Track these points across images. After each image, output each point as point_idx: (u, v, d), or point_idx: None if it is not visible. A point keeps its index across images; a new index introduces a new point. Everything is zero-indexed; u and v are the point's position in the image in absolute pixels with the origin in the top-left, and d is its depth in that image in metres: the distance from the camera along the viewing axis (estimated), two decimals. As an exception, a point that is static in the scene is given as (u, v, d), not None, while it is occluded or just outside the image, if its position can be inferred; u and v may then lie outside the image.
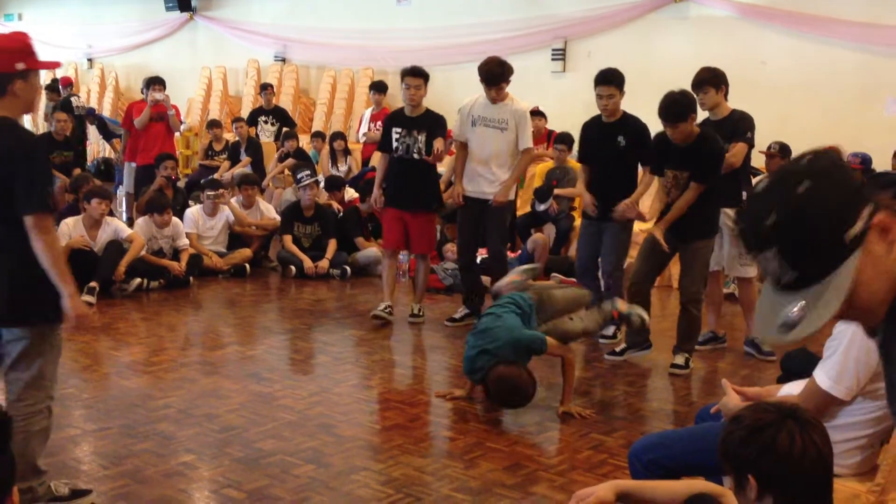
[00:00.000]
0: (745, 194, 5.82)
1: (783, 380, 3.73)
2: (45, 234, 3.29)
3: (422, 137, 6.58)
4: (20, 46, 3.37)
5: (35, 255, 3.31)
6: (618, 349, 5.91)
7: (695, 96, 5.65)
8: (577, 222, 7.97)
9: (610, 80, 5.96)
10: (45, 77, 16.68)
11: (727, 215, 5.77)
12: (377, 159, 7.48)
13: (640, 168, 6.14)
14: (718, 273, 6.06)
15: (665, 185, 5.60)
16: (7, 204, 3.28)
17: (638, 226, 6.42)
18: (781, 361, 4.33)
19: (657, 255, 5.65)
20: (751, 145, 5.88)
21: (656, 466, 2.85)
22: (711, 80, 5.77)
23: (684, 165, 5.44)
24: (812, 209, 1.49)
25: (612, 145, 6.01)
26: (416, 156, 6.61)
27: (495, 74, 6.33)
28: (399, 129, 6.65)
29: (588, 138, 6.27)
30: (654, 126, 6.11)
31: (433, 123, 6.64)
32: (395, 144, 6.64)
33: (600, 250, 6.25)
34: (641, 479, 2.83)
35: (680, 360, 5.59)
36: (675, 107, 5.33)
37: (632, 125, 6.05)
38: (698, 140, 5.42)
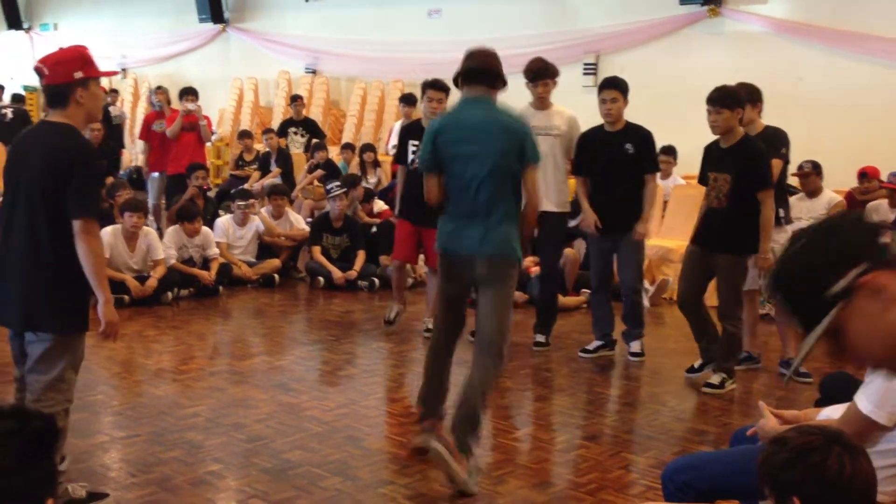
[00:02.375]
0: (781, 212, 5.73)
1: (821, 403, 3.65)
2: (92, 239, 3.38)
3: None
4: (77, 56, 3.51)
5: (69, 262, 3.37)
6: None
7: (752, 95, 5.61)
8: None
9: (614, 85, 5.96)
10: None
11: None
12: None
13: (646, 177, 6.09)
14: (755, 293, 5.96)
15: (707, 190, 5.54)
16: (55, 207, 3.37)
17: (658, 241, 6.32)
18: (820, 384, 4.23)
19: (699, 271, 5.58)
20: (785, 161, 5.79)
21: (690, 489, 2.79)
22: (742, 97, 5.51)
23: (725, 168, 5.36)
24: (793, 267, 1.69)
25: (618, 154, 5.91)
26: None
27: (539, 70, 6.15)
28: (416, 142, 6.46)
29: (589, 148, 6.10)
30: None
31: None
32: (411, 157, 6.53)
33: (613, 265, 6.22)
34: (675, 501, 2.77)
35: (715, 379, 5.50)
36: (724, 93, 5.32)
37: (640, 132, 6.00)
38: (741, 142, 5.36)
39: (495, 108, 4.14)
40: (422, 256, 7.03)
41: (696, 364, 5.78)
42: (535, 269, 7.10)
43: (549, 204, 6.23)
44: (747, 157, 5.32)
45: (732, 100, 5.31)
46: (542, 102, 6.24)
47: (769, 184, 5.33)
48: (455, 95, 6.55)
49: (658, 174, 6.10)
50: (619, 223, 5.97)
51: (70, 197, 3.34)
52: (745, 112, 5.60)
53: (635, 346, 6.15)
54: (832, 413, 2.74)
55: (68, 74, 3.42)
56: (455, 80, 4.26)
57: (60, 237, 3.37)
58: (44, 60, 3.50)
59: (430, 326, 6.76)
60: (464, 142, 4.06)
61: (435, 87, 6.48)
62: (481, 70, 4.11)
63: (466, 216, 4.09)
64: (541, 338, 6.47)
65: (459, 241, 4.12)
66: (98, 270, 3.40)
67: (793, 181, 7.27)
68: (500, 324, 4.11)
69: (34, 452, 1.73)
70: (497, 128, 4.07)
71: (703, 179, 5.66)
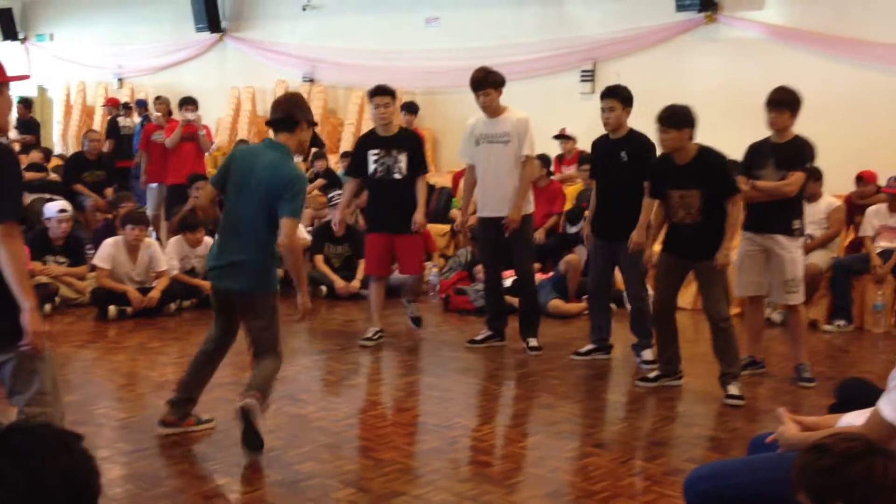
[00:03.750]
0: (796, 223, 5.71)
1: (837, 408, 3.66)
2: (12, 242, 3.20)
3: (402, 157, 6.45)
4: None
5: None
6: (651, 375, 5.81)
7: (794, 103, 5.63)
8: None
9: (612, 94, 6.04)
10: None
11: (777, 242, 5.68)
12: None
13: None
14: (760, 298, 5.97)
15: (672, 206, 5.49)
16: None
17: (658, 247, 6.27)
18: (836, 389, 4.24)
19: (674, 278, 5.62)
20: (808, 175, 5.80)
21: (712, 498, 2.78)
22: (790, 102, 5.64)
23: (690, 183, 5.36)
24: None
25: (616, 161, 6.00)
26: (397, 175, 6.47)
27: (477, 81, 6.24)
28: (377, 151, 6.48)
29: (596, 155, 6.31)
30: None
31: (412, 142, 6.60)
32: (373, 167, 6.49)
33: (612, 271, 6.27)
34: (697, 510, 2.77)
35: (734, 389, 5.41)
36: (673, 113, 5.33)
37: (636, 140, 6.03)
38: (700, 157, 5.38)
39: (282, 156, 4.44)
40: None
41: (652, 374, 5.78)
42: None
43: (499, 209, 6.27)
44: (713, 170, 5.34)
45: (680, 120, 5.31)
46: (488, 111, 6.28)
47: (737, 190, 5.40)
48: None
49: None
50: (617, 230, 5.98)
51: None
52: (790, 120, 5.64)
53: (647, 355, 6.14)
54: (854, 419, 2.73)
55: None
56: (267, 123, 4.67)
57: None
58: None
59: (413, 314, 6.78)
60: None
61: (379, 93, 6.55)
62: (281, 119, 4.46)
63: None
64: (533, 342, 6.47)
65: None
66: (20, 275, 3.21)
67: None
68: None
69: None
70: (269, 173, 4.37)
71: (658, 194, 5.59)
